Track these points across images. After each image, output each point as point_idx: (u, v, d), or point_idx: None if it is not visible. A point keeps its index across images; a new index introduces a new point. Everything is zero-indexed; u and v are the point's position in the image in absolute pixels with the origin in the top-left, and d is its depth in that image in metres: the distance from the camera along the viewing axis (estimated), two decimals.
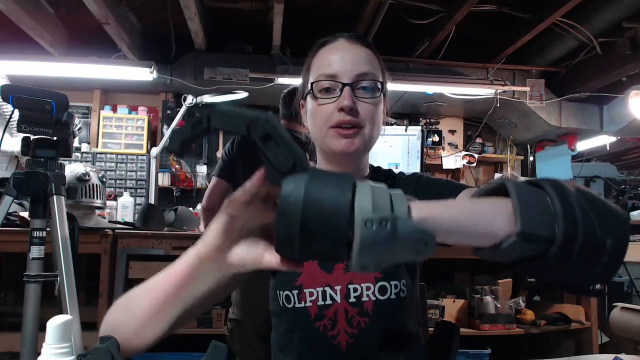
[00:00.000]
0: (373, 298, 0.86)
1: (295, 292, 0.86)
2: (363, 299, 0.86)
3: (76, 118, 1.55)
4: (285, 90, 2.28)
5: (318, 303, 0.86)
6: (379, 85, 0.88)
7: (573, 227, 0.44)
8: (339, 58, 0.87)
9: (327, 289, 0.86)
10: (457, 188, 0.87)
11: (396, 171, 1.02)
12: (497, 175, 4.54)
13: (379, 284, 0.86)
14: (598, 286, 0.49)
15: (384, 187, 0.46)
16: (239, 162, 2.21)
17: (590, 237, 0.44)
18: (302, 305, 0.86)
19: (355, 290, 0.86)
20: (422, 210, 0.46)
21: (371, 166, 1.00)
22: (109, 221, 2.70)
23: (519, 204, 0.45)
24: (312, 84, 0.88)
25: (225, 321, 2.14)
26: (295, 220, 0.43)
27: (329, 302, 0.86)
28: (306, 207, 0.43)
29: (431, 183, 0.95)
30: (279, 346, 0.91)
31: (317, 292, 0.86)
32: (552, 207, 0.45)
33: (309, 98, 0.91)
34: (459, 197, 0.77)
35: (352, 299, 0.86)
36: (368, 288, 0.86)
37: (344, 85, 0.85)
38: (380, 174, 0.99)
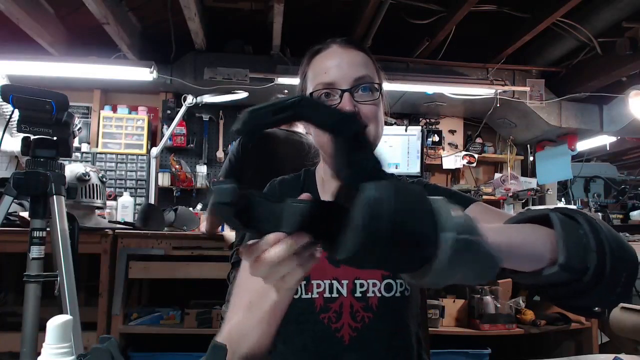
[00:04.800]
0: (378, 294, 0.87)
1: (302, 282, 0.86)
2: (369, 295, 0.87)
3: (76, 118, 1.55)
4: (278, 95, 2.28)
5: (324, 295, 0.87)
6: (377, 87, 0.89)
7: (603, 261, 0.50)
8: (334, 65, 0.88)
9: (335, 282, 0.88)
10: (466, 201, 0.88)
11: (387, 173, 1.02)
12: (497, 175, 4.53)
13: (386, 281, 0.87)
14: (597, 309, 0.55)
15: (459, 207, 0.46)
16: (248, 167, 2.18)
17: (613, 271, 0.51)
18: (309, 296, 0.87)
19: (361, 285, 0.87)
20: (489, 235, 0.47)
21: None
22: (109, 221, 2.70)
23: (563, 239, 0.51)
24: (311, 94, 0.89)
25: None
26: (386, 225, 0.41)
27: (335, 295, 0.87)
28: (398, 213, 0.42)
29: (438, 192, 0.94)
30: (281, 338, 0.92)
31: (325, 284, 0.88)
32: (586, 241, 0.51)
33: None
34: (490, 219, 0.79)
35: (357, 294, 0.87)
36: (374, 284, 0.87)
37: (343, 91, 0.86)
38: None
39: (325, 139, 0.89)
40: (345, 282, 0.87)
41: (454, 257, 0.42)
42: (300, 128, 2.12)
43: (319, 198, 0.96)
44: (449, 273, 0.44)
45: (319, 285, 0.87)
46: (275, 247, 0.47)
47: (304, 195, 0.50)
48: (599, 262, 0.50)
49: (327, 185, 0.97)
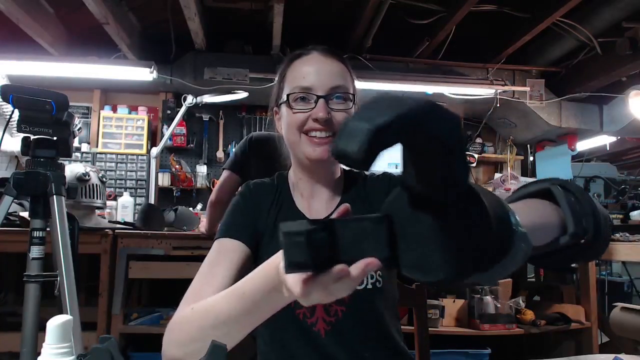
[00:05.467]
0: None
1: None
2: None
3: (76, 118, 1.55)
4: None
5: None
6: (351, 97, 0.93)
7: (599, 222, 0.56)
8: (314, 71, 0.91)
9: None
10: None
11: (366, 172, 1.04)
12: (497, 175, 4.53)
13: None
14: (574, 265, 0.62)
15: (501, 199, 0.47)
16: (254, 161, 2.18)
17: (605, 230, 0.57)
18: None
19: None
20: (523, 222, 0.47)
21: (342, 169, 1.03)
22: (109, 221, 2.70)
23: (570, 211, 0.55)
24: (288, 95, 0.92)
25: None
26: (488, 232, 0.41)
27: None
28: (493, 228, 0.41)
29: None
30: (263, 339, 0.94)
31: None
32: (585, 209, 0.56)
33: (283, 107, 0.94)
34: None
35: None
36: None
37: (319, 97, 0.89)
38: (352, 175, 1.03)
39: (293, 138, 0.92)
40: None
41: (521, 252, 0.44)
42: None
43: (293, 202, 0.97)
44: (514, 268, 0.44)
45: None
46: (359, 271, 0.45)
47: (342, 208, 0.52)
48: (596, 224, 0.56)
49: (297, 189, 0.98)
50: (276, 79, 1.01)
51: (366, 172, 1.03)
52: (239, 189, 1.03)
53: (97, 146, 4.10)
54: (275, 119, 1.01)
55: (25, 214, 2.01)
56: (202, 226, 2.34)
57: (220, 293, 0.71)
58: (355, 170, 1.04)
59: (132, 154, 4.08)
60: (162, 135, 4.03)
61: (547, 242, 0.55)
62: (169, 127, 3.39)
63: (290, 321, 0.88)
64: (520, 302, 2.53)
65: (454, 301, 2.56)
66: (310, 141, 0.90)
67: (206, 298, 0.74)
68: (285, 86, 0.95)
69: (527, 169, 4.83)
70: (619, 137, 4.52)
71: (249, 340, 0.74)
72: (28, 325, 1.39)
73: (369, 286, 0.89)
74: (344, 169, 1.03)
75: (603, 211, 0.58)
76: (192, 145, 4.26)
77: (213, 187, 4.11)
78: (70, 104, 1.48)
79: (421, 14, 3.44)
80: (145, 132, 4.15)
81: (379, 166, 1.08)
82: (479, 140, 4.67)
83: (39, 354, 0.54)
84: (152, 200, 3.19)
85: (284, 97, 0.93)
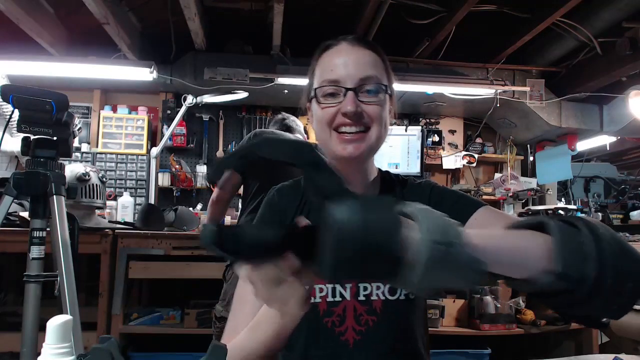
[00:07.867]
0: (382, 297, 0.87)
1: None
2: (372, 298, 0.87)
3: (76, 118, 1.55)
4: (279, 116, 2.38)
5: (327, 299, 0.87)
6: (383, 88, 0.87)
7: (603, 271, 0.48)
8: (341, 62, 0.86)
9: (337, 286, 0.87)
10: (473, 204, 0.86)
11: (389, 173, 1.01)
12: (497, 175, 4.53)
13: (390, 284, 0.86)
14: (605, 319, 0.54)
15: (442, 214, 0.47)
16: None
17: (615, 281, 0.48)
18: (312, 300, 0.86)
19: (365, 288, 0.87)
20: (474, 239, 0.47)
21: (379, 170, 0.98)
22: (109, 221, 2.70)
23: (560, 247, 0.49)
24: (315, 89, 0.88)
25: (217, 321, 2.12)
26: (355, 244, 0.43)
27: (338, 298, 0.87)
28: (365, 230, 0.43)
29: (445, 194, 0.93)
30: (286, 346, 0.92)
31: (327, 288, 0.87)
32: (586, 249, 0.49)
33: (313, 102, 0.90)
34: (491, 224, 0.80)
35: (361, 297, 0.87)
36: (378, 287, 0.87)
37: (347, 90, 0.84)
38: (390, 179, 0.98)
39: (323, 135, 0.88)
40: (348, 285, 0.87)
41: (431, 262, 0.43)
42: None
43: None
44: (429, 278, 0.44)
45: (321, 290, 0.87)
46: (263, 271, 0.51)
47: (300, 220, 0.52)
48: (599, 271, 0.48)
49: None
50: (308, 72, 0.96)
51: (405, 178, 0.98)
52: (265, 198, 0.99)
53: (97, 146, 4.10)
54: (309, 114, 0.97)
55: (25, 214, 2.01)
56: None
57: (235, 323, 0.78)
58: (392, 173, 1.00)
59: (132, 154, 4.08)
60: (162, 135, 4.03)
61: (525, 277, 0.51)
62: (169, 127, 3.39)
63: (317, 330, 0.86)
64: (520, 302, 2.53)
65: (454, 301, 2.56)
66: (340, 138, 0.85)
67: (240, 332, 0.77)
68: (315, 80, 0.90)
69: (527, 169, 4.82)
70: (619, 137, 4.51)
71: None
72: (28, 325, 1.39)
73: (402, 297, 0.86)
74: (381, 171, 0.99)
75: (626, 264, 0.49)
76: (192, 145, 4.26)
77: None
78: (70, 104, 1.48)
79: (421, 14, 3.44)
80: (145, 132, 4.15)
81: (378, 163, 1.06)
82: (479, 140, 4.67)
83: (39, 354, 0.54)
84: (152, 200, 3.19)
85: (313, 92, 0.88)
